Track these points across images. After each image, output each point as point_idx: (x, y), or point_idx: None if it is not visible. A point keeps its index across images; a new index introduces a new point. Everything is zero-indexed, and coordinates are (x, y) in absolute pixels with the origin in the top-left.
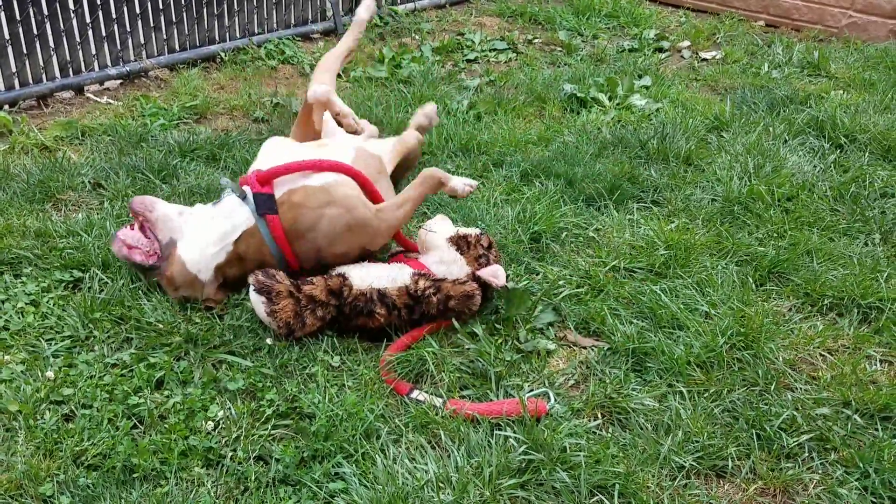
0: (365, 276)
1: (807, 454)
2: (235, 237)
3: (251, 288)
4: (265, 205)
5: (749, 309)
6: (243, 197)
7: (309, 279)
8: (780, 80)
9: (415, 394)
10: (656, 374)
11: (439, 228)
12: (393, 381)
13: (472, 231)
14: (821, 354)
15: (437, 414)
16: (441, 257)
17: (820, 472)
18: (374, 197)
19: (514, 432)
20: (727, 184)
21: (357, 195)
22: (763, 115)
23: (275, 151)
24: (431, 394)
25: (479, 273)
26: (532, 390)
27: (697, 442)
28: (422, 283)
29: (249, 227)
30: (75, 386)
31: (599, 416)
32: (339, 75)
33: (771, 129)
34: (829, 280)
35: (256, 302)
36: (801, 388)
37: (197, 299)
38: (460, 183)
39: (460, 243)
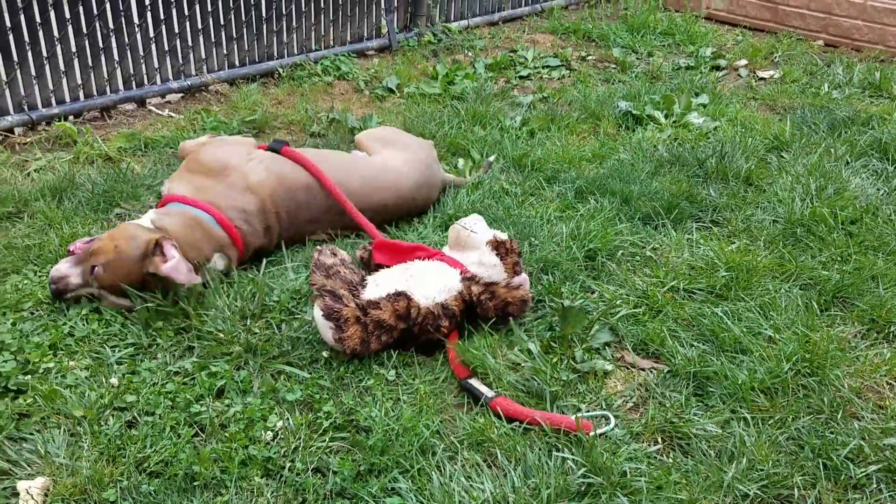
0: (426, 293)
1: (875, 485)
2: None
3: (319, 313)
4: None
5: (814, 334)
6: None
7: (375, 301)
8: (840, 100)
9: (472, 381)
10: (719, 399)
11: (480, 230)
12: (456, 363)
13: (505, 236)
14: (888, 383)
15: (493, 433)
16: (481, 259)
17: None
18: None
19: (572, 454)
20: (789, 205)
21: None
22: (824, 136)
23: None
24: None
25: (512, 282)
26: (588, 411)
27: (762, 470)
28: (475, 289)
29: None
30: (138, 393)
31: (660, 440)
32: (392, 91)
33: (832, 150)
34: (895, 307)
35: (324, 327)
36: (867, 417)
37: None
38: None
39: (500, 248)
